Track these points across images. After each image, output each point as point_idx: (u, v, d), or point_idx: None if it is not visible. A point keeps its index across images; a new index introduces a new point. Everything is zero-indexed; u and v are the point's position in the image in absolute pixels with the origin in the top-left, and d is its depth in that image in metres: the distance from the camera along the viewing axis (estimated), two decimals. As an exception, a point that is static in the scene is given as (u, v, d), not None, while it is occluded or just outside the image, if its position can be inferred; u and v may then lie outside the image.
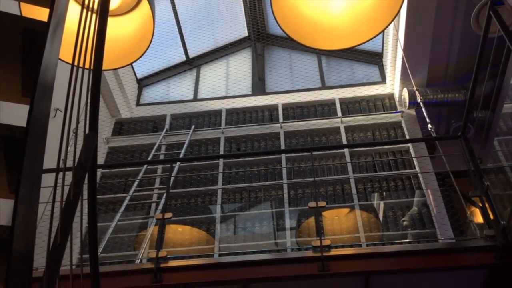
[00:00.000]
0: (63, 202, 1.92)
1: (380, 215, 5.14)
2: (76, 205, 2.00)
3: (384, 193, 5.32)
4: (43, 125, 1.46)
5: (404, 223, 5.28)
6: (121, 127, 6.84)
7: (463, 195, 4.46)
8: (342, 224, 5.20)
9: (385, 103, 6.53)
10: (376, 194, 5.48)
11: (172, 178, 4.89)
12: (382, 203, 5.33)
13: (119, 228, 5.12)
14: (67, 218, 1.91)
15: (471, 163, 3.90)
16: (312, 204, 4.10)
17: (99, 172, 5.65)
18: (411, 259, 3.77)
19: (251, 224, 5.40)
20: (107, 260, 4.42)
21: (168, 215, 4.25)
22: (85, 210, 2.19)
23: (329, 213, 5.21)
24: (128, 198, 5.24)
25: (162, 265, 3.92)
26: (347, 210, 5.31)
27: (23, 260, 1.38)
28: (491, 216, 3.49)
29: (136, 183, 5.56)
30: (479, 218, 4.79)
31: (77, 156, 1.97)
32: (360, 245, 4.46)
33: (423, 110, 4.98)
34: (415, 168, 5.46)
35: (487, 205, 3.54)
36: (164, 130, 6.55)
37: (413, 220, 5.04)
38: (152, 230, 4.85)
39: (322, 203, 4.09)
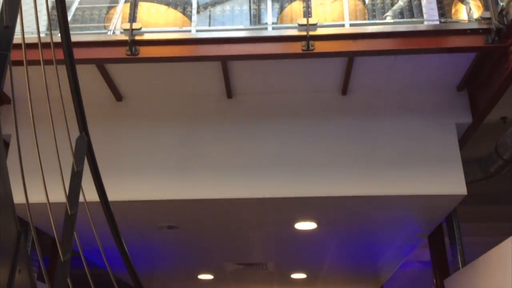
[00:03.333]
0: None
1: (367, 2, 4.85)
2: None
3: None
4: None
5: (387, 18, 5.03)
6: None
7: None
8: (326, 13, 4.92)
9: None
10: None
11: None
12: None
13: (87, 3, 4.70)
14: None
15: None
16: (300, -22, 3.75)
17: None
18: (396, 41, 3.66)
19: (230, 8, 5.06)
20: (77, 31, 4.14)
21: (142, -18, 3.85)
22: None
23: (314, 1, 4.87)
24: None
25: (137, 38, 3.70)
26: (333, -4, 4.96)
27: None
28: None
29: None
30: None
31: None
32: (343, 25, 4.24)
33: None
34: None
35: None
36: None
37: (399, 15, 4.78)
38: (123, 6, 4.46)
39: (311, -22, 3.75)
